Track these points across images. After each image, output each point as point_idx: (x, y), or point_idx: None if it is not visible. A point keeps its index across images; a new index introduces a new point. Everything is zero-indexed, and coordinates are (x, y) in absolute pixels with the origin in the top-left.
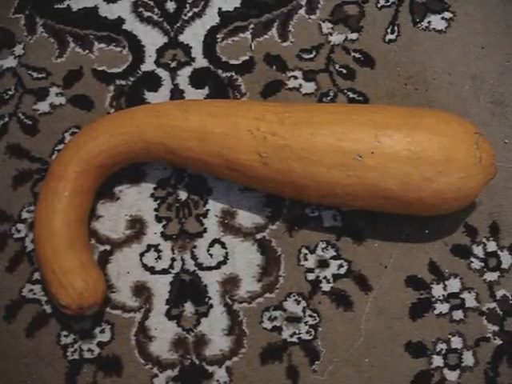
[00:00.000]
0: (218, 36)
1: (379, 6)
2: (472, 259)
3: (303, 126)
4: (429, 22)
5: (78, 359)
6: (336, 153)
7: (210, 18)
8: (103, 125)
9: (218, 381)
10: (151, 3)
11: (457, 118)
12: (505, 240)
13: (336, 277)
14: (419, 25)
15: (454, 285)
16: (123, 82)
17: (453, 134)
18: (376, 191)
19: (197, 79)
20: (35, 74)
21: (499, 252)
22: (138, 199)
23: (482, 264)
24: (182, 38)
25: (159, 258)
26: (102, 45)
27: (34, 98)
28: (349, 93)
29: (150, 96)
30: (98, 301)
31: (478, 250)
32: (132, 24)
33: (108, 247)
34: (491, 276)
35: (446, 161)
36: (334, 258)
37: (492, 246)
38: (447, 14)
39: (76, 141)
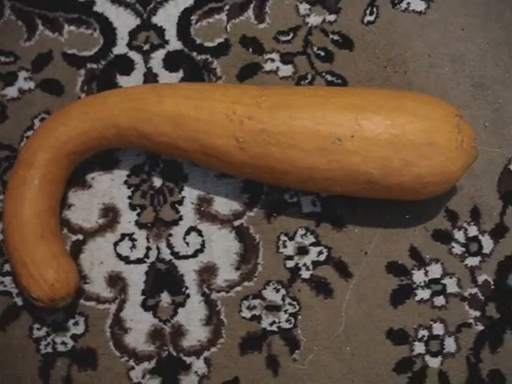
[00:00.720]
0: (192, 18)
1: None
2: (453, 244)
3: (281, 109)
4: (408, 4)
5: (51, 352)
6: (315, 137)
7: None
8: (74, 110)
9: (196, 372)
10: None
11: (437, 100)
12: (486, 224)
13: (315, 264)
14: (398, 6)
15: (435, 270)
16: (94, 66)
17: (434, 116)
18: (356, 176)
19: (171, 62)
20: (3, 58)
21: (480, 237)
22: (110, 187)
23: (463, 249)
24: (155, 19)
25: (134, 247)
26: (72, 27)
27: (2, 83)
28: (327, 76)
29: (122, 80)
30: (71, 292)
31: (459, 235)
32: (103, 5)
33: (80, 237)
34: (472, 261)
35: (428, 144)
36: (313, 244)
37: (473, 231)
38: None
39: (46, 127)
